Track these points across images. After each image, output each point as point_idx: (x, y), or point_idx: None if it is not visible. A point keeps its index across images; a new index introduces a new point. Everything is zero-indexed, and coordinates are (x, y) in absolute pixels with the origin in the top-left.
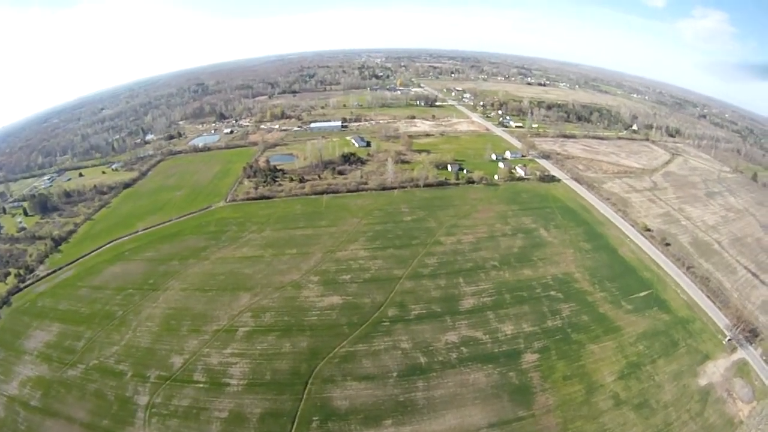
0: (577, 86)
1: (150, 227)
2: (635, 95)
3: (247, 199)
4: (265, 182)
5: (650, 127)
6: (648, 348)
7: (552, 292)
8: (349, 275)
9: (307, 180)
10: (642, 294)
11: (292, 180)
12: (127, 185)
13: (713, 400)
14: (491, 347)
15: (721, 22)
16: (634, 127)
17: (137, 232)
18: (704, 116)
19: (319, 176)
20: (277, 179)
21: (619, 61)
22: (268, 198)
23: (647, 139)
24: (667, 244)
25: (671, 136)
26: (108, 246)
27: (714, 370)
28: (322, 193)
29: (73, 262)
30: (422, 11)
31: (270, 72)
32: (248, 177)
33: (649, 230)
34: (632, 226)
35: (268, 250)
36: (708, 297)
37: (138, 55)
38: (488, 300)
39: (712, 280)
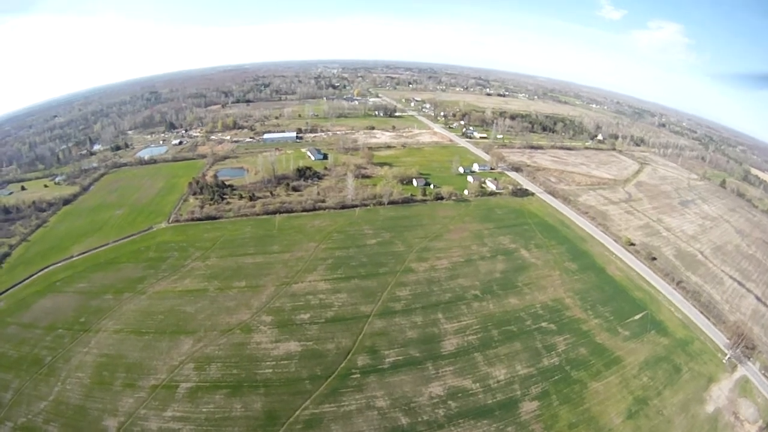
0: (536, 97)
1: (85, 252)
2: (594, 105)
3: (192, 220)
4: (212, 200)
5: (615, 136)
6: (652, 379)
7: (543, 324)
8: (308, 314)
9: (258, 197)
10: (637, 317)
11: (241, 197)
12: (66, 201)
13: (722, 426)
14: (483, 398)
15: (676, 34)
16: (600, 137)
17: (72, 257)
18: (663, 125)
19: (271, 193)
20: (225, 196)
21: (576, 73)
22: (215, 218)
23: (614, 149)
24: (653, 259)
25: (636, 145)
26: (41, 273)
27: (719, 394)
28: (274, 212)
29: (4, 292)
30: (378, 23)
31: (225, 81)
32: (194, 194)
33: (633, 245)
34: (615, 241)
35: (212, 282)
36: (702, 313)
37: (97, 62)
38: (474, 338)
39: (703, 294)
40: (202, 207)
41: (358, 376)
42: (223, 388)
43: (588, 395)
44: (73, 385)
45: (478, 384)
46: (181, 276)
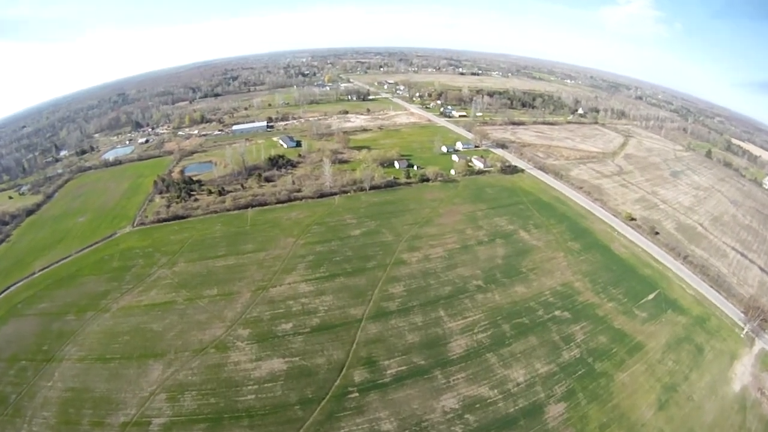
0: (510, 74)
1: (47, 267)
2: (569, 81)
3: (158, 221)
4: (178, 198)
5: (596, 110)
6: (677, 363)
7: (557, 312)
8: (291, 323)
9: (228, 191)
10: (651, 296)
11: (210, 192)
12: (30, 212)
13: (750, 404)
14: (504, 406)
15: (645, 7)
16: (580, 111)
17: (34, 274)
18: (640, 98)
19: (242, 185)
20: (193, 193)
21: (547, 51)
22: (182, 217)
23: (596, 122)
24: (656, 233)
25: (617, 118)
26: (3, 295)
27: (743, 371)
28: (246, 206)
29: None
30: (344, 10)
31: (193, 77)
32: (160, 193)
33: (633, 219)
34: (615, 216)
35: (181, 292)
36: (712, 287)
37: (67, 70)
38: (484, 336)
39: (710, 268)
40: (168, 206)
41: (357, 395)
42: (201, 422)
43: (615, 389)
44: (40, 427)
45: (496, 390)
46: (147, 287)
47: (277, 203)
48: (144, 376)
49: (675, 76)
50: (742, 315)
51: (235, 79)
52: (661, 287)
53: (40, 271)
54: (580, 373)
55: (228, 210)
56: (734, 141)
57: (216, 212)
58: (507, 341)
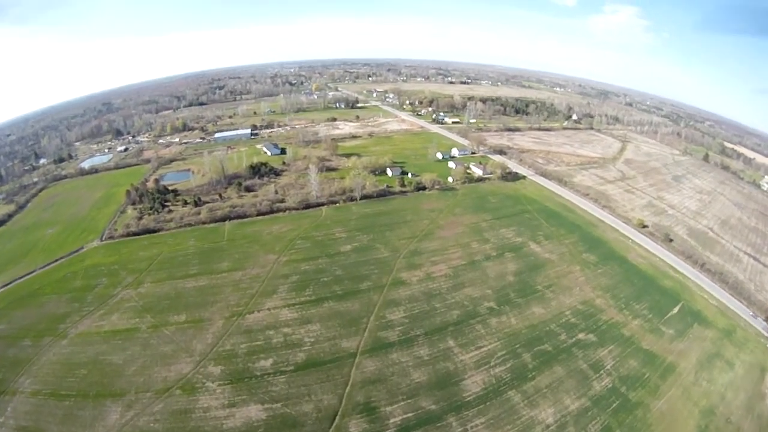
0: (499, 83)
1: (9, 283)
2: (558, 89)
3: (127, 235)
4: (151, 209)
5: (590, 116)
6: (710, 382)
7: (581, 336)
8: (271, 359)
9: (205, 202)
10: (675, 310)
11: (186, 203)
12: (1, 222)
13: None
14: None
15: (632, 16)
16: (574, 117)
17: None
18: (630, 104)
19: (220, 196)
20: (167, 204)
21: (535, 60)
22: (154, 231)
23: (592, 128)
24: (671, 240)
25: (611, 124)
26: None
27: None
28: (223, 219)
29: None
30: (332, 21)
31: (179, 87)
32: (133, 203)
33: (645, 227)
34: (626, 223)
35: (145, 317)
36: (733, 296)
37: (57, 80)
38: (502, 370)
39: (728, 275)
40: (140, 218)
41: None
42: None
43: (654, 420)
44: None
45: None
46: (109, 310)
47: (257, 215)
48: (101, 420)
49: (663, 83)
50: (766, 324)
51: (221, 88)
52: (684, 299)
53: (2, 287)
54: (614, 405)
55: (203, 223)
56: (727, 144)
57: (190, 225)
58: (530, 374)
